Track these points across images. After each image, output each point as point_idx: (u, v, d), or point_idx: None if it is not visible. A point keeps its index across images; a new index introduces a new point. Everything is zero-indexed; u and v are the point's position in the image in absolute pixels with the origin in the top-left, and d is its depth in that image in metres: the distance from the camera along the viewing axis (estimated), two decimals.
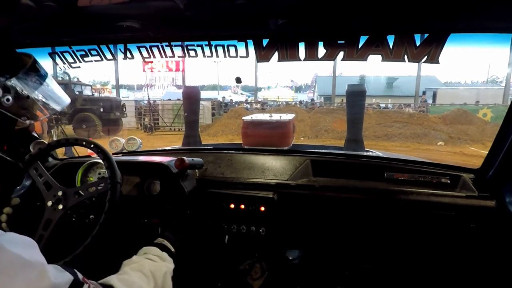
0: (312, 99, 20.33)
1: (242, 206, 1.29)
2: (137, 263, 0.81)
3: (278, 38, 1.17)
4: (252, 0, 0.91)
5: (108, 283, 0.67)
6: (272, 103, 17.97)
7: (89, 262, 0.86)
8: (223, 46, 1.22)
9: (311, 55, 1.15)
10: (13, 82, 0.74)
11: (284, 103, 17.85)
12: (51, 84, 0.87)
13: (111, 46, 1.26)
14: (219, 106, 15.55)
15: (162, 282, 0.80)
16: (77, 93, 12.24)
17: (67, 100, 0.92)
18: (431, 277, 1.30)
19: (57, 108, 0.87)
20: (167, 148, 2.13)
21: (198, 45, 1.24)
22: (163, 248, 0.91)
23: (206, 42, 1.22)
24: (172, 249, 0.93)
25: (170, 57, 1.30)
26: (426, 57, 1.07)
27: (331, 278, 1.46)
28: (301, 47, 1.15)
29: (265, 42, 1.19)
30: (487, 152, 1.24)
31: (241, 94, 27.53)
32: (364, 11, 0.99)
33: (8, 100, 0.71)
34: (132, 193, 1.24)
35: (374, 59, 1.11)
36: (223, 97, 18.67)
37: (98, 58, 1.28)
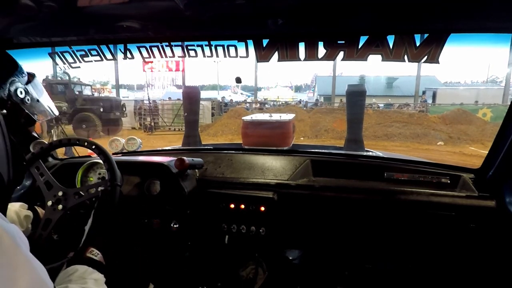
0: (317, 99, 20.21)
1: (242, 206, 1.29)
2: None
3: (278, 38, 1.17)
4: (252, 0, 0.91)
5: None
6: (272, 103, 17.96)
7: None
8: (223, 46, 1.22)
9: (311, 55, 1.15)
10: (30, 86, 0.86)
11: (284, 103, 17.84)
12: (46, 94, 0.99)
13: (111, 46, 1.26)
14: (218, 106, 15.53)
15: None
16: (77, 93, 12.22)
17: (56, 111, 1.03)
18: (431, 276, 1.30)
19: (54, 114, 0.98)
20: (167, 148, 2.13)
21: (198, 45, 1.24)
22: (95, 265, 0.75)
23: (206, 42, 1.22)
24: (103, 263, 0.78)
25: (170, 57, 1.30)
26: (426, 57, 1.07)
27: (331, 278, 1.46)
28: (301, 47, 1.15)
29: (265, 42, 1.18)
30: (487, 152, 1.24)
31: (241, 94, 27.49)
32: (364, 11, 0.99)
33: (28, 100, 0.83)
34: (132, 193, 1.24)
35: (374, 59, 1.12)
36: (223, 97, 18.63)
37: (98, 58, 1.28)
